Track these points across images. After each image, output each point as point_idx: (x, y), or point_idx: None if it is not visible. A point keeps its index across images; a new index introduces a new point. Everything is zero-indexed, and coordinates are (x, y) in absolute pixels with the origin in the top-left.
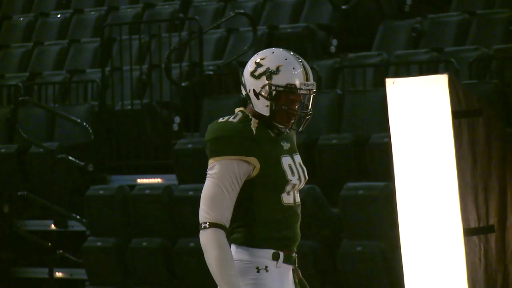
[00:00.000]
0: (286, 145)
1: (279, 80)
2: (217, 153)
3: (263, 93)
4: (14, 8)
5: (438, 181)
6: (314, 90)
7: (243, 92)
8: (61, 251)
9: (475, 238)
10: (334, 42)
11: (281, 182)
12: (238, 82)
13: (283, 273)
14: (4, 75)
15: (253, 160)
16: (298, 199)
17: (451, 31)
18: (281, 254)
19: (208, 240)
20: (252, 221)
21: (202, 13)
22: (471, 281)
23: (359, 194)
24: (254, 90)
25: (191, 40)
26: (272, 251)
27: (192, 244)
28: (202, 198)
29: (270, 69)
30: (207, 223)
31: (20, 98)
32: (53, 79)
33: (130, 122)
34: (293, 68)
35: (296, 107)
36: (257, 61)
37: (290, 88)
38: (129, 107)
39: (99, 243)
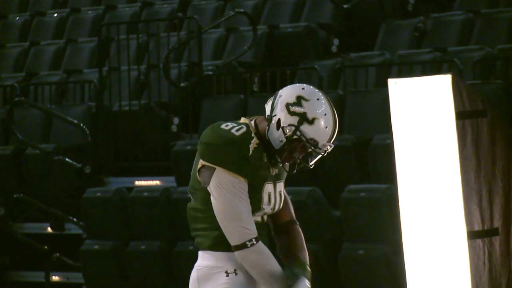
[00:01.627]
0: (273, 171)
1: (308, 131)
2: (212, 160)
3: (286, 130)
4: (10, 7)
5: (442, 183)
6: (329, 151)
7: (267, 108)
8: (57, 254)
9: (479, 241)
10: (336, 41)
11: (254, 207)
12: (237, 82)
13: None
14: (0, 75)
15: (243, 179)
16: (265, 219)
17: (454, 31)
18: None
19: (262, 254)
20: (217, 225)
21: (201, 12)
22: (475, 285)
23: (361, 197)
24: (279, 120)
25: (190, 39)
26: None
27: (191, 247)
28: (229, 214)
29: (307, 116)
30: (253, 239)
31: (16, 99)
32: (50, 79)
33: (128, 123)
34: (326, 128)
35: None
36: (299, 96)
37: (311, 144)
38: (127, 108)
39: (96, 246)
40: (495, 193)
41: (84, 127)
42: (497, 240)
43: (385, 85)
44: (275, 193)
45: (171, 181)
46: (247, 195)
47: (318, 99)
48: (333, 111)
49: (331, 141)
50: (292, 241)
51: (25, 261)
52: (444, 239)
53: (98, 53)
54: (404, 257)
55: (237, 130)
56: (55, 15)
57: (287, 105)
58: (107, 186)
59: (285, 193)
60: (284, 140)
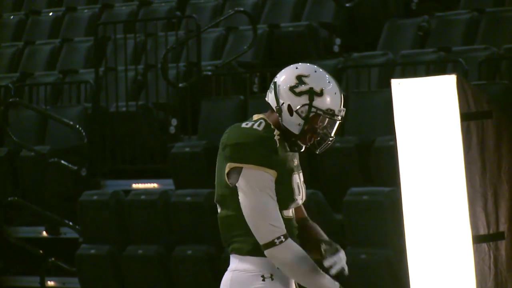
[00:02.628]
0: (295, 162)
1: (322, 103)
2: (240, 160)
3: (300, 112)
4: (4, 6)
5: (446, 186)
6: (343, 116)
7: (270, 101)
8: (53, 259)
9: (484, 245)
10: (338, 41)
11: (288, 200)
12: (237, 83)
13: (287, 280)
14: None
15: (274, 173)
16: (293, 213)
17: (459, 30)
18: None
19: (293, 253)
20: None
21: (200, 11)
22: None
23: (363, 200)
24: (289, 105)
25: (188, 39)
26: None
27: (189, 252)
28: (255, 211)
29: (314, 90)
30: (282, 236)
31: (11, 100)
32: (45, 80)
33: (125, 124)
34: (335, 93)
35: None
36: (298, 76)
37: (330, 114)
38: (124, 109)
39: (92, 251)
40: (501, 196)
41: (80, 128)
42: (503, 244)
43: (388, 86)
44: (301, 184)
45: (169, 184)
46: (274, 192)
47: (316, 71)
48: (334, 79)
49: (342, 105)
50: (313, 232)
51: (19, 266)
52: (449, 243)
53: (94, 53)
54: (407, 261)
55: (258, 125)
56: (51, 14)
57: (291, 89)
58: (104, 189)
59: None
60: (303, 121)
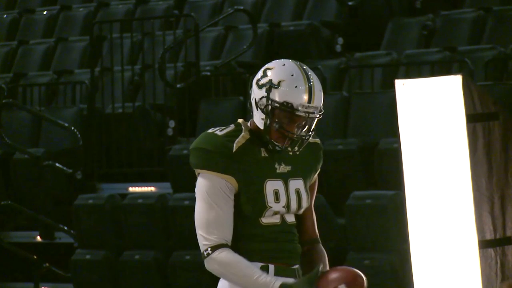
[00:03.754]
0: (281, 168)
1: (277, 95)
2: (197, 165)
3: (260, 105)
4: None
5: (451, 189)
6: (317, 115)
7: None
8: (47, 264)
9: (490, 250)
10: (340, 40)
11: (260, 207)
12: (236, 83)
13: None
14: None
15: (231, 179)
16: (290, 219)
17: (465, 29)
18: (271, 266)
19: (217, 266)
20: (234, 235)
21: (198, 10)
22: None
23: (366, 204)
24: (255, 99)
25: (186, 38)
26: (260, 264)
27: (187, 257)
28: (196, 222)
29: (272, 82)
30: (209, 249)
31: (4, 101)
32: (39, 80)
33: (122, 126)
34: (295, 87)
35: (295, 128)
36: (265, 68)
37: (286, 107)
38: (120, 110)
39: (88, 256)
40: (508, 199)
41: (75, 130)
42: (509, 250)
43: (392, 87)
44: (287, 191)
45: (166, 187)
46: (228, 199)
47: (284, 65)
48: (305, 73)
49: (311, 102)
50: (314, 260)
51: (13, 272)
52: (454, 248)
53: (90, 53)
54: (412, 267)
55: (221, 131)
56: (45, 12)
57: (257, 82)
58: (100, 193)
59: (312, 207)
60: (263, 115)
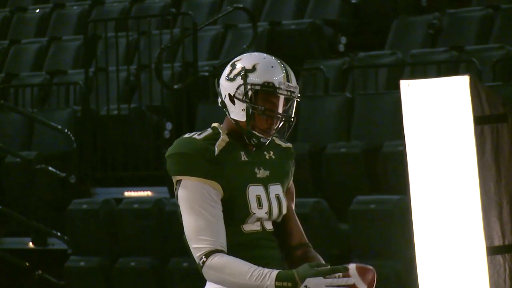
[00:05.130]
0: (261, 173)
1: (256, 78)
2: (177, 171)
3: (238, 95)
4: None
5: (458, 194)
6: (298, 95)
7: (219, 101)
8: (40, 271)
9: (499, 257)
10: (343, 40)
11: (243, 213)
12: None
13: None
14: None
15: (215, 185)
16: (269, 227)
17: (473, 28)
18: None
19: (213, 271)
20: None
21: (196, 8)
22: None
23: (370, 209)
24: (229, 94)
25: (184, 37)
26: None
27: (185, 264)
28: (187, 235)
29: (246, 68)
30: (203, 257)
31: None
32: (31, 81)
33: (117, 128)
34: (272, 67)
35: (279, 109)
36: (232, 63)
37: (267, 87)
38: (116, 112)
39: (82, 263)
40: None
41: (69, 133)
42: None
43: (397, 87)
44: (268, 197)
45: (163, 191)
46: (215, 204)
47: (251, 54)
48: (274, 57)
49: (290, 81)
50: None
51: (4, 279)
52: (461, 255)
53: (84, 53)
54: (417, 274)
55: (199, 134)
56: (37, 11)
57: (226, 78)
58: (94, 197)
59: (295, 214)
60: (244, 105)
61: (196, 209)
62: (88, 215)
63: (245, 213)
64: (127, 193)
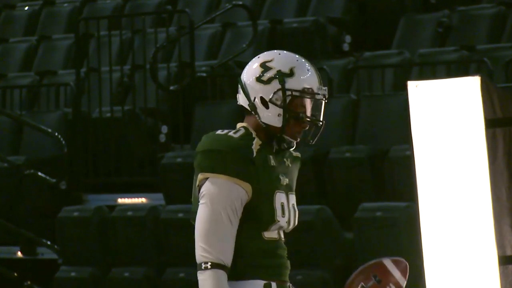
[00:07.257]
0: (284, 180)
1: (295, 83)
2: (210, 169)
3: (275, 100)
4: None
5: (469, 201)
6: (327, 96)
7: (242, 102)
8: (29, 282)
9: (511, 267)
10: (348, 38)
11: (269, 220)
12: (235, 85)
13: None
14: None
15: (248, 187)
16: (283, 236)
17: (484, 26)
18: (273, 284)
19: (207, 284)
20: (235, 251)
21: (193, 5)
22: None
23: (376, 216)
24: (262, 97)
25: (180, 36)
26: (262, 282)
27: (181, 275)
28: (199, 230)
29: (283, 71)
30: (208, 264)
31: None
32: (20, 82)
33: (110, 132)
34: (307, 70)
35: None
36: (262, 64)
37: (306, 93)
38: (109, 114)
39: (73, 273)
40: None
41: (59, 136)
42: None
43: (404, 89)
44: (289, 205)
45: (159, 198)
46: (238, 212)
47: (280, 54)
48: (301, 57)
49: (321, 84)
50: None
51: None
52: (472, 265)
53: (75, 52)
54: (425, 284)
55: (234, 133)
56: (26, 8)
57: (258, 79)
58: (86, 204)
59: None
60: (281, 110)
61: (217, 211)
62: (79, 223)
63: (271, 220)
64: (120, 200)
